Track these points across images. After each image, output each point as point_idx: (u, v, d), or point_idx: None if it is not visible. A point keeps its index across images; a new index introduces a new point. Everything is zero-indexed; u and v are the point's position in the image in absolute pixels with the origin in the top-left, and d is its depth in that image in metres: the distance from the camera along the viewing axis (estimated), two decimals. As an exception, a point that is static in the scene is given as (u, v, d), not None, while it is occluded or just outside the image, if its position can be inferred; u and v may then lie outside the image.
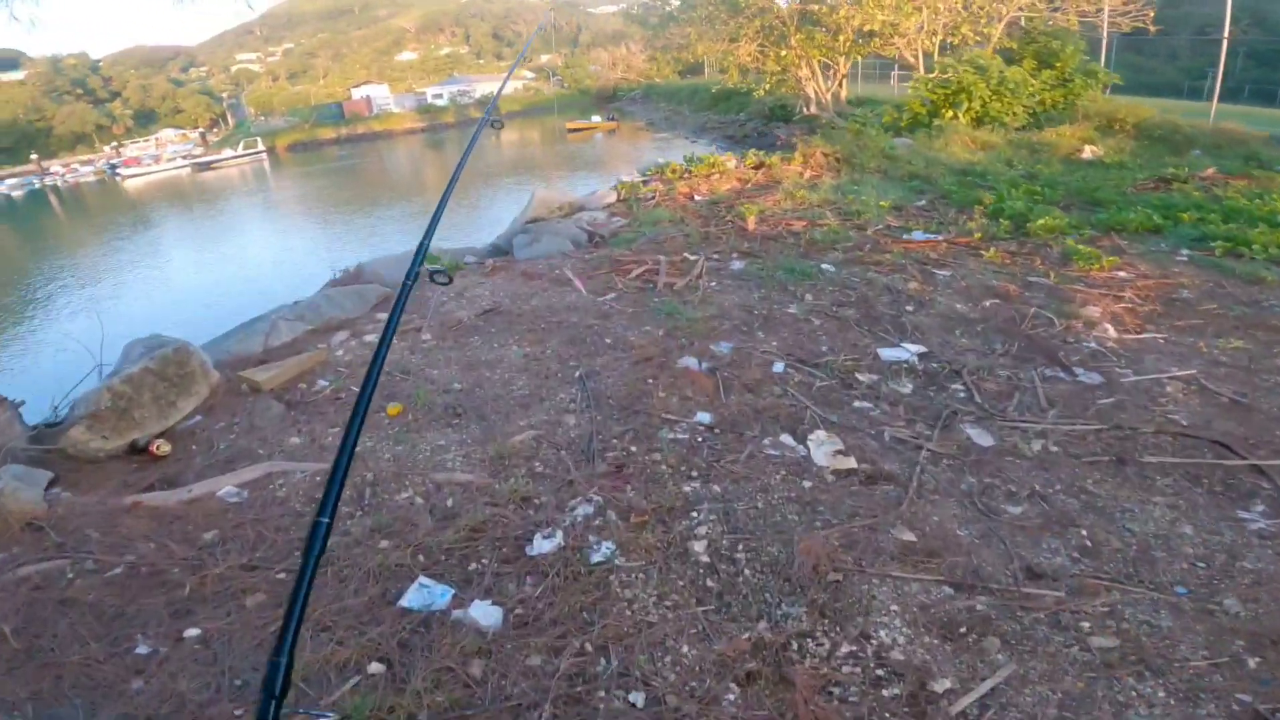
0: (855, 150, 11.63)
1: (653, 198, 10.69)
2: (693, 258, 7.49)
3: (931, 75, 15.29)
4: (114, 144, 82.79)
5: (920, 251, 7.47)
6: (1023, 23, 18.17)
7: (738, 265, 7.28)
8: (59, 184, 59.94)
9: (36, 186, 59.71)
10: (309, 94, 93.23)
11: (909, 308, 6.14)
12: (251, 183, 46.50)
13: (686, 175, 11.75)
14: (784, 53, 20.72)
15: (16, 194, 56.88)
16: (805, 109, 23.18)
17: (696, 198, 10.42)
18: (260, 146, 61.72)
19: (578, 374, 5.11)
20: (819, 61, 21.48)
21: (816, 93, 22.04)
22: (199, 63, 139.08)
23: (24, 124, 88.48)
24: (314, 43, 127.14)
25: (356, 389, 3.72)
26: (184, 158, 60.84)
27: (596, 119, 50.01)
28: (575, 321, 5.98)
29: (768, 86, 22.44)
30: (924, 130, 13.88)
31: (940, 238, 7.82)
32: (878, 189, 9.89)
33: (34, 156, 72.68)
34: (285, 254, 20.66)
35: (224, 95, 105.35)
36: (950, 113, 14.22)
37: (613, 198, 10.99)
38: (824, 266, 7.09)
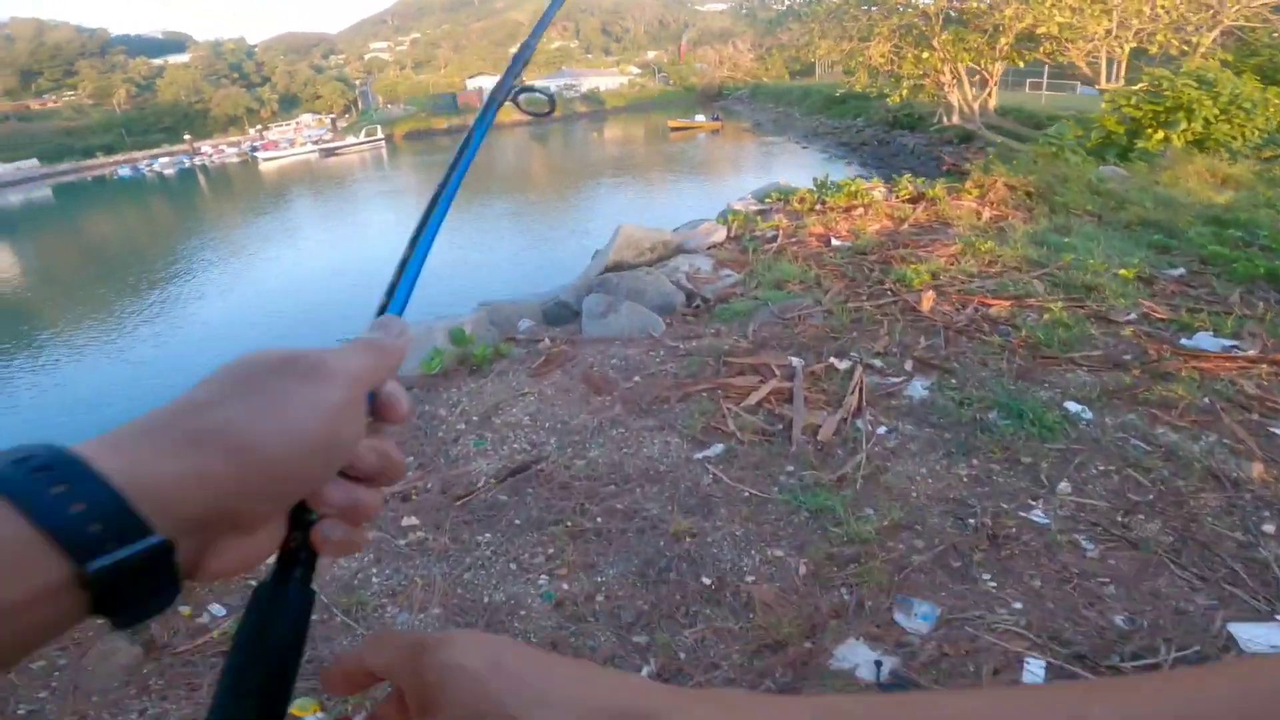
0: (1053, 182, 8.34)
1: (774, 238, 7.87)
2: (841, 365, 4.71)
3: (1135, 87, 11.59)
4: (258, 127, 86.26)
5: (1226, 376, 4.39)
6: (1242, 33, 14.01)
7: (919, 389, 4.43)
8: (207, 164, 62.54)
9: (186, 166, 62.53)
10: (429, 84, 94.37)
11: (1267, 524, 3.18)
12: (370, 170, 46.39)
13: (819, 208, 8.78)
14: (925, 55, 17.15)
15: (169, 172, 59.68)
16: (946, 118, 19.48)
17: (835, 242, 7.53)
18: (380, 134, 62.28)
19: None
20: (965, 66, 17.77)
21: (961, 101, 18.33)
22: (338, 50, 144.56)
23: (185, 105, 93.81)
24: (438, 33, 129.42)
25: None
26: (313, 143, 62.10)
27: (700, 118, 46.95)
28: (653, 516, 3.34)
29: (904, 92, 18.85)
30: (1133, 156, 10.31)
31: (1251, 351, 4.68)
32: (1102, 244, 6.69)
33: (187, 137, 76.60)
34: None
35: (357, 82, 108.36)
36: (1159, 134, 10.60)
37: (720, 234, 8.26)
38: (1070, 407, 4.14)
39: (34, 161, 72.02)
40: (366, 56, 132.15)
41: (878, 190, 9.13)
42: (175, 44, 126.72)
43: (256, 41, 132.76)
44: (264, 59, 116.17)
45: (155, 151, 73.83)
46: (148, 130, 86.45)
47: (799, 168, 26.50)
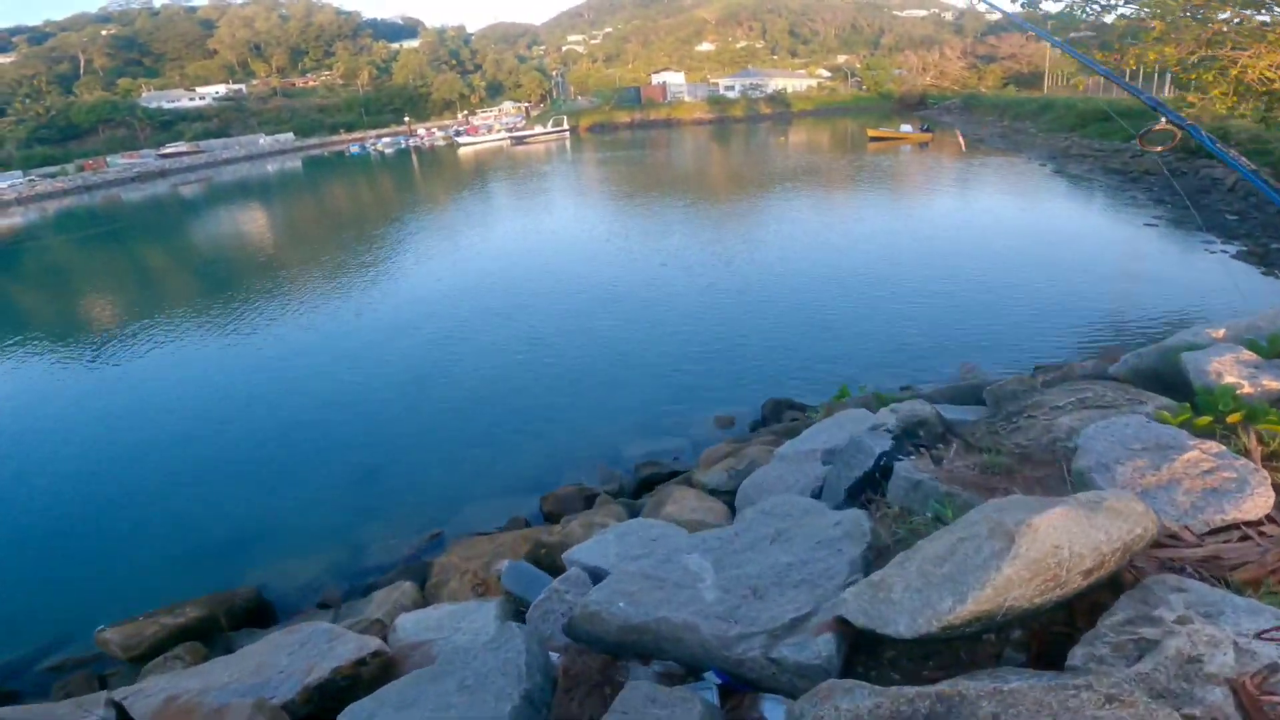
0: None
1: None
2: None
3: None
4: (465, 112, 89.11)
5: None
6: None
7: None
8: (421, 145, 64.97)
9: (403, 146, 65.44)
10: (617, 77, 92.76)
11: None
12: (554, 160, 45.01)
13: None
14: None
15: (389, 151, 62.67)
16: None
17: None
18: (565, 125, 61.46)
19: None
20: None
21: None
22: (540, 41, 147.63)
23: (411, 89, 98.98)
24: (628, 29, 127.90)
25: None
26: (507, 131, 62.52)
27: (907, 128, 40.12)
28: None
29: None
30: None
31: None
32: None
33: (406, 119, 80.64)
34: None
35: (554, 73, 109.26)
36: None
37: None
38: None
39: (290, 135, 79.09)
40: (564, 48, 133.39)
41: None
42: (409, 29, 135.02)
43: (474, 30, 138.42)
44: (478, 47, 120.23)
45: (382, 131, 78.36)
46: (381, 110, 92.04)
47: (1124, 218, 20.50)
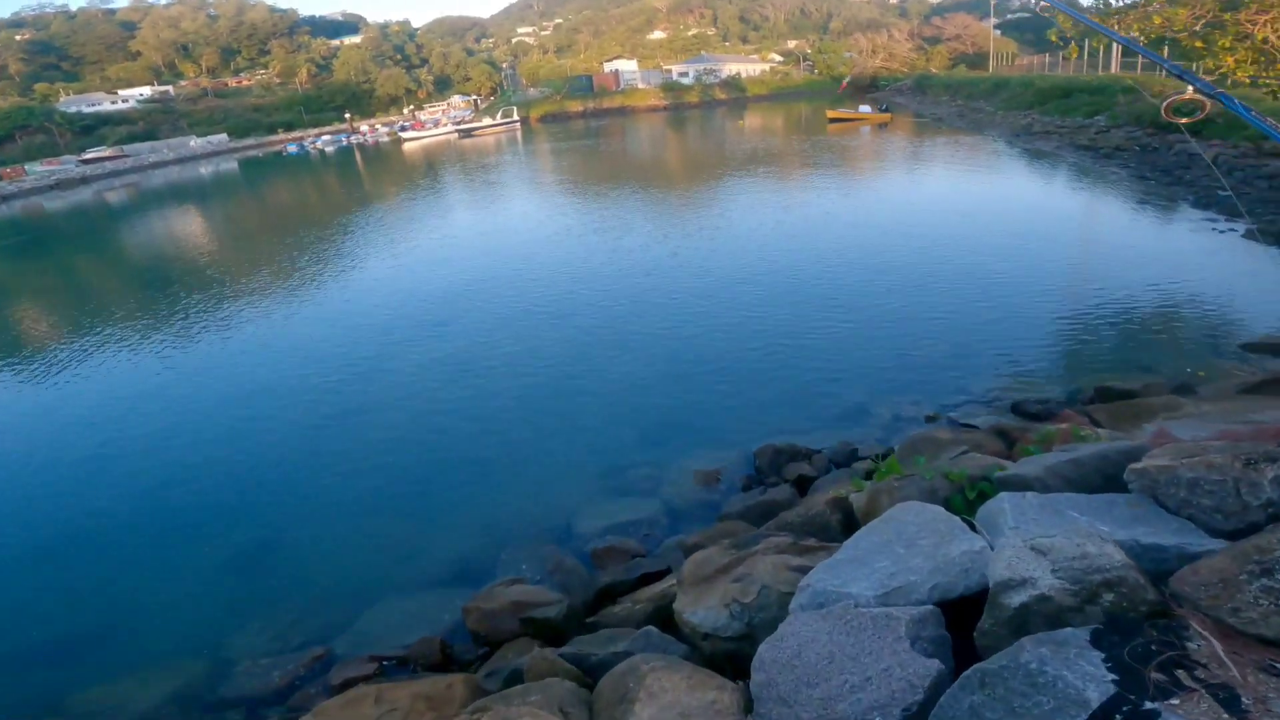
0: None
1: None
2: None
3: None
4: (411, 107, 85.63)
5: None
6: None
7: None
8: (364, 142, 61.61)
9: (345, 144, 61.91)
10: (568, 67, 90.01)
11: None
12: (505, 152, 42.33)
13: None
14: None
15: (329, 150, 59.15)
16: None
17: None
18: (515, 116, 58.72)
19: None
20: None
21: None
22: (489, 34, 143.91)
23: (354, 85, 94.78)
24: (578, 19, 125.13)
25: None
26: (454, 124, 59.43)
27: (865, 109, 38.87)
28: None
29: None
30: None
31: None
32: None
33: (348, 116, 76.62)
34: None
35: (504, 65, 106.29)
36: None
37: None
38: None
39: (223, 136, 74.55)
40: (513, 40, 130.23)
41: None
42: (350, 25, 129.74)
43: (419, 24, 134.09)
44: (424, 41, 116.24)
45: (323, 129, 74.45)
46: (322, 108, 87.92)
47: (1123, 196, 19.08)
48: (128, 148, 65.81)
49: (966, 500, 3.10)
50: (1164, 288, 10.24)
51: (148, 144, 68.86)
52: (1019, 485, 2.94)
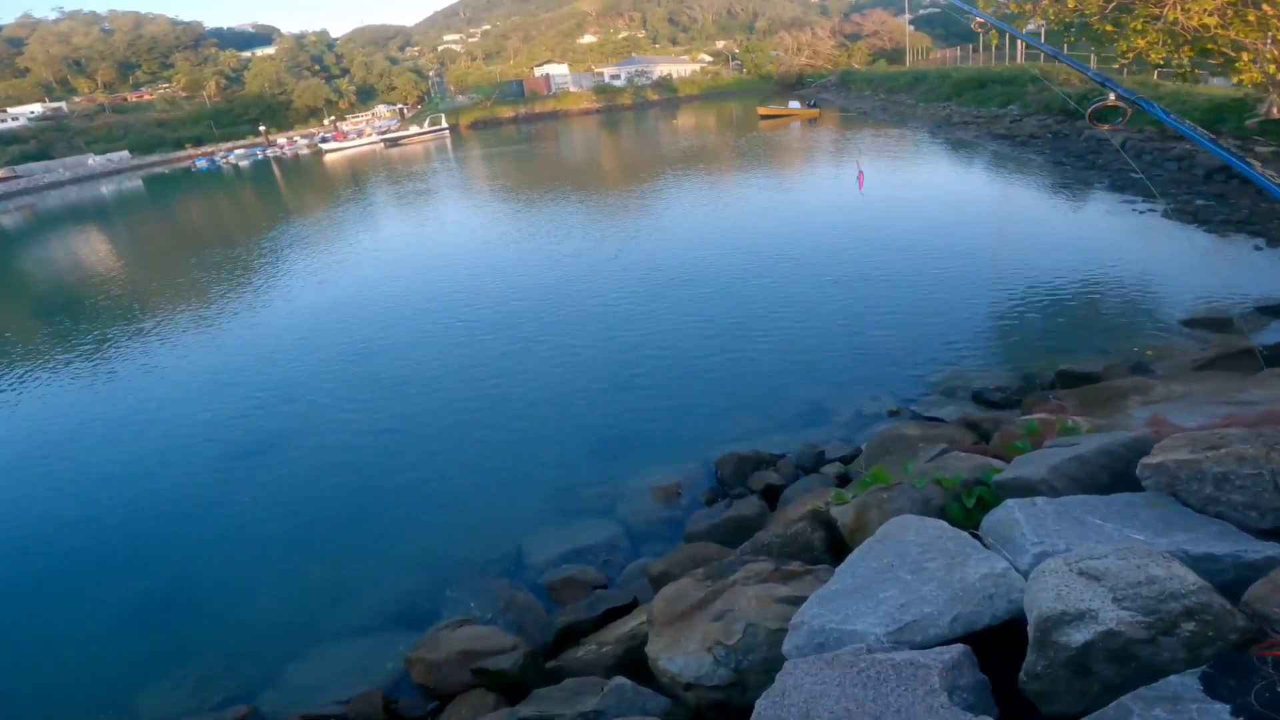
0: None
1: None
2: None
3: None
4: (332, 118, 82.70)
5: None
6: None
7: None
8: (281, 155, 58.89)
9: (260, 157, 59.01)
10: (498, 73, 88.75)
11: None
12: (434, 159, 41.01)
13: None
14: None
15: (244, 164, 56.23)
16: (1272, 111, 12.14)
17: None
18: (444, 124, 57.26)
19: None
20: None
21: None
22: (414, 42, 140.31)
23: (269, 97, 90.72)
24: (507, 25, 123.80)
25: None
26: (379, 134, 57.45)
27: (795, 105, 39.84)
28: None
29: (1246, 74, 11.33)
30: None
31: None
32: None
33: (262, 129, 73.11)
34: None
35: (430, 73, 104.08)
36: None
37: None
38: None
39: (125, 153, 70.00)
40: (440, 48, 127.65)
41: None
42: (263, 37, 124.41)
43: (339, 34, 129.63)
44: (344, 51, 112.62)
45: (236, 143, 70.88)
46: (234, 122, 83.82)
47: (1037, 182, 19.61)
48: (19, 168, 60.98)
49: (965, 509, 2.80)
50: (1097, 270, 10.48)
51: (41, 164, 63.92)
52: (1023, 489, 2.65)
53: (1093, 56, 20.49)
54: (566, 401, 7.92)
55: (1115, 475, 2.70)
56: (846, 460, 5.43)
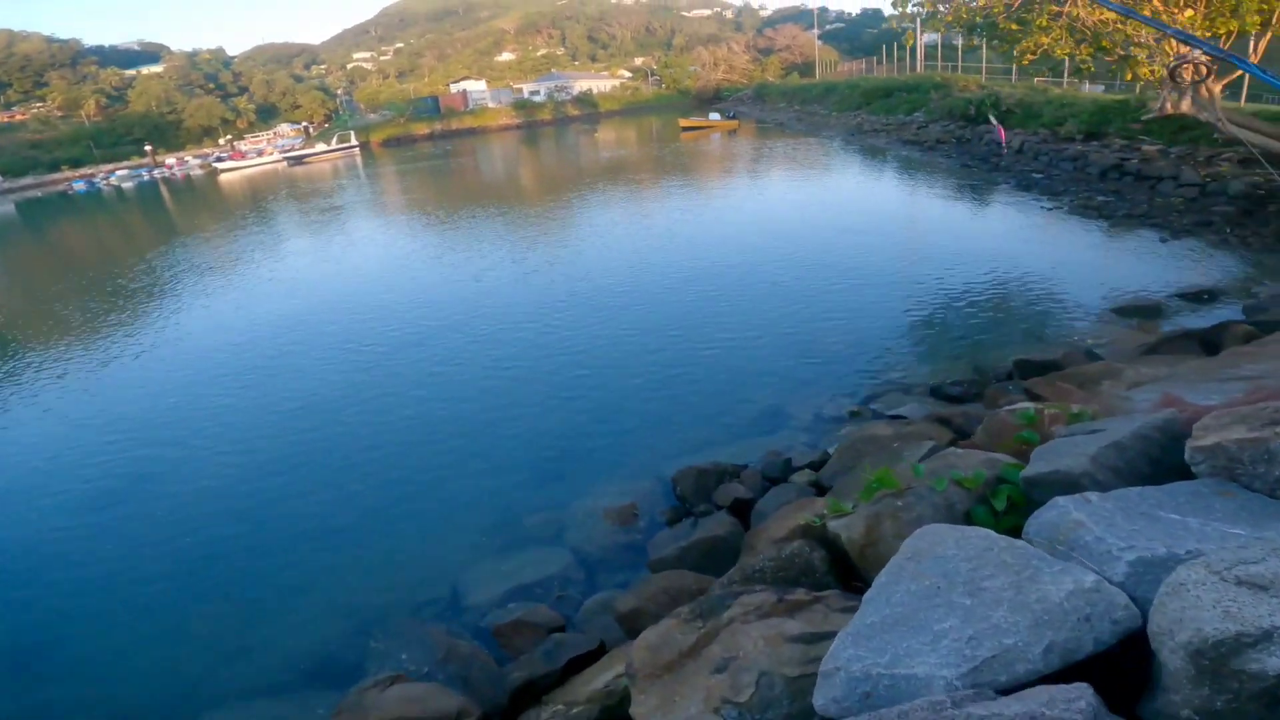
0: None
1: None
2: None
3: None
4: (228, 138, 78.52)
5: None
6: None
7: None
8: (170, 176, 54.90)
9: (146, 178, 54.79)
10: (412, 90, 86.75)
11: None
12: (343, 178, 39.08)
13: None
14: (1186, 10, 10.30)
15: (127, 185, 51.99)
16: (1165, 107, 12.95)
17: None
18: (353, 141, 54.98)
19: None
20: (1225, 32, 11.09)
21: (1206, 85, 11.54)
22: (320, 60, 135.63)
23: (156, 116, 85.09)
24: (421, 43, 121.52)
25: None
26: (280, 152, 54.53)
27: (715, 116, 40.77)
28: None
29: (1141, 70, 11.98)
30: None
31: None
32: None
33: (148, 148, 68.19)
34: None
35: (339, 92, 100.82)
36: None
37: None
38: None
39: (-9, 176, 63.48)
40: (349, 66, 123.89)
41: None
42: (150, 55, 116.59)
43: (237, 52, 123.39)
44: (242, 69, 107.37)
45: (119, 165, 65.67)
46: (117, 142, 77.82)
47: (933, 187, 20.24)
48: None
49: (994, 512, 2.43)
50: (1021, 265, 10.75)
51: (-109, 192, 57.06)
52: (1064, 485, 2.30)
53: (986, 55, 21.58)
54: (500, 423, 7.27)
55: (1154, 462, 2.39)
56: (816, 466, 5.08)
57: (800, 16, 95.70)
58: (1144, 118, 14.86)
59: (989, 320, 8.88)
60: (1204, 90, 11.69)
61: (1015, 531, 2.19)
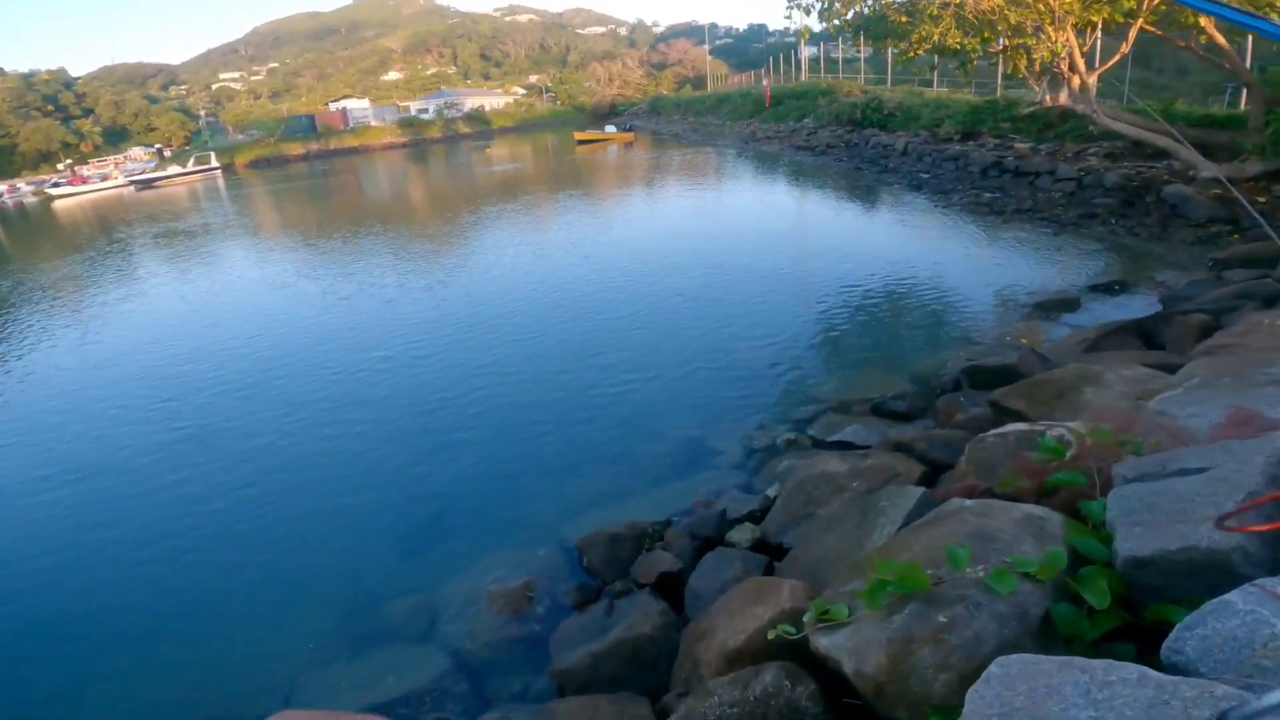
0: None
1: None
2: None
3: None
4: (69, 162, 70.90)
5: None
6: None
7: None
8: (0, 205, 48.14)
9: (-39, 208, 47.74)
10: (286, 110, 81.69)
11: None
12: (199, 200, 35.37)
13: None
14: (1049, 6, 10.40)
15: (-63, 215, 44.98)
16: (1044, 100, 13.22)
17: None
18: (214, 163, 50.49)
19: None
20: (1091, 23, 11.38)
21: (1080, 76, 11.81)
22: (180, 80, 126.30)
23: (-18, 141, 75.56)
24: (299, 63, 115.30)
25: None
26: (127, 176, 49.24)
27: (611, 129, 40.55)
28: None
29: (1019, 60, 12.05)
30: None
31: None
32: None
33: (-31, 175, 60.11)
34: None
35: (201, 113, 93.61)
36: None
37: None
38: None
39: None
40: (214, 86, 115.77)
41: None
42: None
43: (83, 73, 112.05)
44: (86, 90, 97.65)
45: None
46: (-67, 171, 68.18)
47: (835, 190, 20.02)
48: None
49: (1085, 612, 1.47)
50: (926, 266, 10.30)
51: None
52: (1207, 567, 1.37)
53: (877, 49, 22.14)
54: (356, 478, 5.82)
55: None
56: (757, 518, 4.06)
57: (692, 32, 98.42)
58: (1025, 110, 15.40)
59: (912, 323, 8.33)
60: (1076, 82, 12.04)
61: (1146, 648, 1.22)
